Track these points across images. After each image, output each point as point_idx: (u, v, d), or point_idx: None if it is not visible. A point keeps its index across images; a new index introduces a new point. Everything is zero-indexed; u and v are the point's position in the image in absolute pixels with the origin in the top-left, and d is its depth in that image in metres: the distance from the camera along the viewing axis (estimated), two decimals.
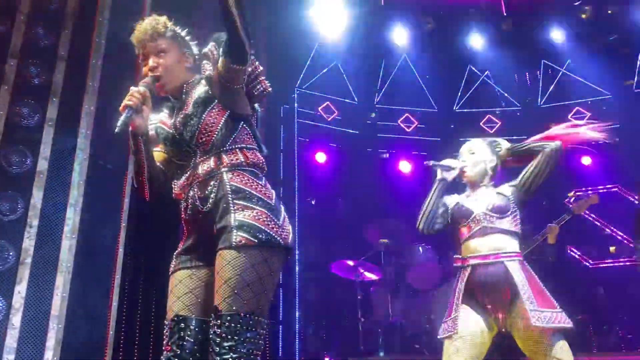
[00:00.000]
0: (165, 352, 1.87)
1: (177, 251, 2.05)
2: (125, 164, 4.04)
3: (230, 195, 1.91)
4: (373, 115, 8.56)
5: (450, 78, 8.86)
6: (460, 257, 2.77)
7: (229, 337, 1.73)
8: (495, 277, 2.60)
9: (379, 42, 8.48)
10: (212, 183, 1.95)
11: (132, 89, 1.99)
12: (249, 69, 2.04)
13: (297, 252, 7.13)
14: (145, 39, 2.06)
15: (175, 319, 1.89)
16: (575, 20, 8.11)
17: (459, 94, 8.83)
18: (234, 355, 1.72)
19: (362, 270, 6.04)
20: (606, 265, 7.62)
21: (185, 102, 2.09)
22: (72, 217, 3.42)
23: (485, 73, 8.77)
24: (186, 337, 1.86)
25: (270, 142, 6.54)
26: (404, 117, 8.75)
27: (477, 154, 2.89)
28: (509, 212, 2.71)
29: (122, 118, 1.91)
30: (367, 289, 6.35)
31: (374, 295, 6.33)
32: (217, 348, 1.73)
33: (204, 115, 2.01)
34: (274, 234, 1.87)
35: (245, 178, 1.96)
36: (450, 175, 2.86)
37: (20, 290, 3.16)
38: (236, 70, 1.96)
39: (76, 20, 3.84)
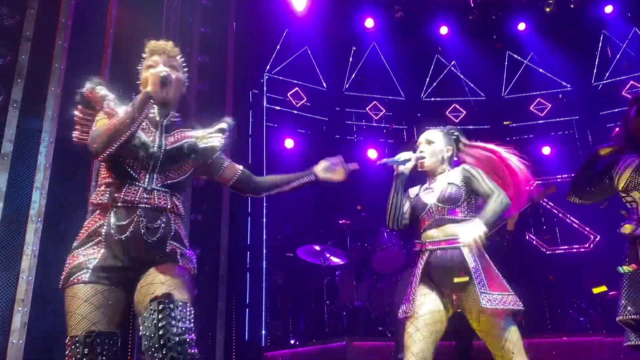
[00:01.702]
0: None
1: (94, 263, 2.00)
2: None
3: (170, 238, 2.12)
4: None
5: (418, 67, 9.00)
6: (419, 242, 2.87)
7: (184, 319, 1.87)
8: (451, 261, 2.70)
9: (348, 29, 8.54)
10: (161, 218, 2.08)
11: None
12: None
13: (264, 236, 7.20)
14: (166, 49, 2.27)
15: (91, 333, 1.88)
16: (539, 13, 8.34)
17: (427, 83, 8.98)
18: (190, 335, 1.87)
19: (328, 255, 6.14)
20: (561, 251, 7.94)
21: (170, 124, 2.25)
22: (37, 201, 3.39)
23: (452, 63, 8.93)
24: (104, 353, 1.89)
25: (239, 127, 6.54)
26: (372, 104, 8.85)
27: (435, 144, 2.95)
28: (461, 201, 2.78)
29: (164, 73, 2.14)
30: (333, 273, 6.46)
31: (340, 279, 6.45)
32: (174, 329, 1.83)
33: (188, 160, 2.21)
34: (194, 267, 2.22)
35: (180, 224, 2.21)
36: (407, 168, 2.88)
37: None
38: None
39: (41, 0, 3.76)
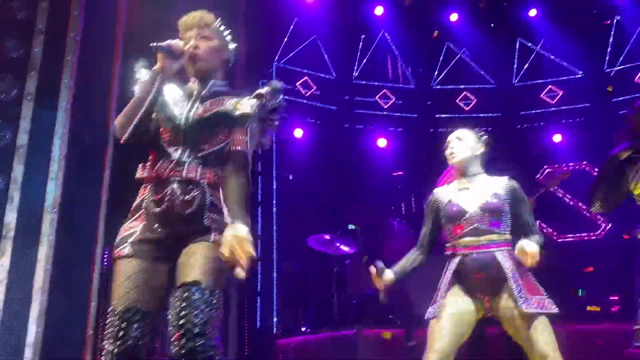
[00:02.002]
0: (115, 343, 1.88)
1: (134, 237, 2.04)
2: (105, 137, 4.07)
3: (207, 208, 2.05)
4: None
5: (429, 55, 8.95)
6: (450, 245, 2.83)
7: (208, 308, 1.85)
8: (484, 265, 2.68)
9: (358, 17, 8.50)
10: (195, 190, 2.04)
11: (179, 40, 2.17)
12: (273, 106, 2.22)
13: (274, 226, 7.25)
14: (194, 23, 2.20)
15: (127, 310, 1.91)
16: None
17: (437, 71, 8.93)
18: (212, 326, 1.85)
19: (338, 244, 6.18)
20: (571, 239, 7.92)
21: (200, 95, 2.19)
22: (52, 192, 3.45)
23: (463, 50, 8.87)
24: (139, 329, 1.90)
25: None
26: (381, 93, 8.83)
27: (464, 141, 2.89)
28: (502, 214, 2.75)
29: (163, 42, 2.07)
30: (342, 263, 6.51)
31: (350, 268, 6.49)
32: (195, 319, 1.81)
33: (216, 129, 2.13)
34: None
35: (218, 196, 2.10)
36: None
37: (4, 263, 3.21)
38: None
39: None
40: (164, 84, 2.13)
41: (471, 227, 2.75)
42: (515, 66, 8.83)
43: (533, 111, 8.66)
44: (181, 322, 1.81)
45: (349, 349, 5.13)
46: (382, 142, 8.52)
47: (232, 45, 2.33)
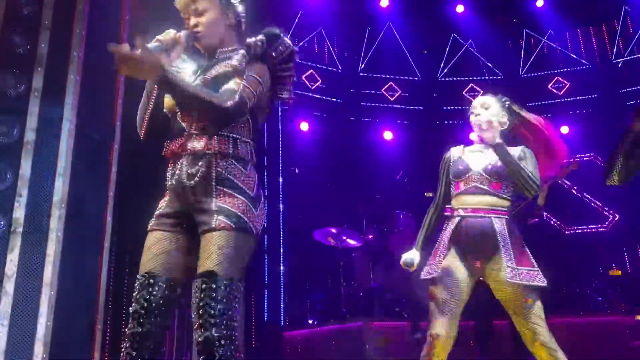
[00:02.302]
0: (133, 304, 1.96)
1: (157, 211, 2.11)
2: (112, 133, 4.08)
3: (214, 181, 2.01)
4: None
5: (434, 46, 8.90)
6: (450, 207, 2.86)
7: (225, 299, 1.85)
8: (480, 229, 2.70)
9: (363, 9, 8.46)
10: (200, 163, 2.01)
11: (171, 30, 2.09)
12: (280, 55, 2.12)
13: (281, 219, 7.28)
14: (186, 1, 2.14)
15: (146, 275, 1.98)
16: None
17: (443, 62, 8.88)
18: (229, 317, 1.85)
19: (344, 237, 6.19)
20: (579, 231, 7.89)
21: (211, 67, 2.13)
22: (60, 187, 3.47)
23: (469, 42, 8.82)
24: (153, 293, 1.95)
25: None
26: (387, 85, 8.80)
27: (491, 108, 2.88)
28: (505, 178, 2.75)
29: (149, 44, 1.97)
30: (349, 255, 6.52)
31: (356, 261, 6.51)
32: (212, 310, 1.82)
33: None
34: (249, 222, 1.99)
35: (231, 167, 2.03)
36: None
37: (13, 258, 3.24)
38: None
39: None
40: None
41: (472, 185, 2.78)
42: (522, 57, 8.77)
43: (540, 102, 8.61)
44: (200, 312, 1.84)
45: (355, 341, 5.15)
46: (388, 135, 8.50)
47: (237, 4, 2.22)
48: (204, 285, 1.87)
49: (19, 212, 3.32)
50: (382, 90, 8.76)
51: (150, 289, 1.96)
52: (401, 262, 2.91)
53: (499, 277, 2.66)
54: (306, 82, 8.23)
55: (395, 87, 8.82)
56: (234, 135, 2.05)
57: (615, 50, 8.29)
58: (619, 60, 8.26)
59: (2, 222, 3.29)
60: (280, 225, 7.26)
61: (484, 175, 2.77)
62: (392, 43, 8.71)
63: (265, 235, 7.10)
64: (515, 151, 2.83)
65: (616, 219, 7.71)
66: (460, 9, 8.49)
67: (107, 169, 3.94)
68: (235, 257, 1.92)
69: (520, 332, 2.67)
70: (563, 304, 6.74)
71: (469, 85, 8.82)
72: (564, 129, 8.31)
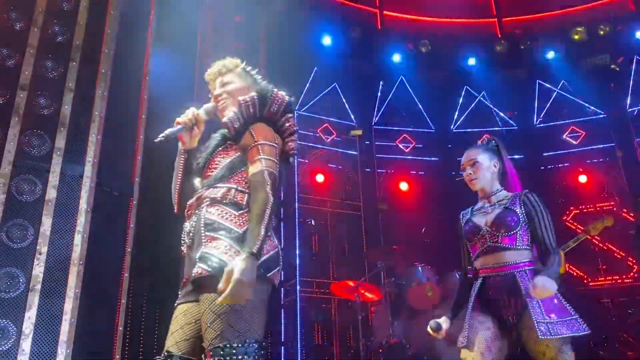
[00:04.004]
0: None
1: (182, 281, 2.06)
2: (130, 189, 4.15)
3: (202, 229, 1.94)
4: None
5: (447, 99, 9.03)
6: (472, 268, 2.81)
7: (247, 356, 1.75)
8: (505, 287, 2.62)
9: (376, 64, 8.67)
10: (194, 219, 2.01)
11: (190, 109, 2.16)
12: (279, 109, 2.12)
13: (297, 273, 7.21)
14: (214, 72, 2.24)
15: (165, 353, 1.94)
16: (568, 40, 8.31)
17: (456, 114, 8.97)
18: None
19: (362, 291, 6.09)
20: (605, 282, 7.68)
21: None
22: (79, 244, 3.50)
23: (482, 94, 8.92)
24: None
25: None
26: (401, 137, 8.90)
27: (479, 162, 2.81)
28: (518, 228, 2.66)
29: (168, 130, 2.06)
30: (367, 309, 6.40)
31: (375, 315, 6.38)
32: None
33: (216, 151, 2.11)
34: (228, 261, 1.80)
35: (220, 210, 1.96)
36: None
37: (30, 316, 3.24)
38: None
39: (82, 51, 3.96)
40: (186, 156, 2.17)
41: (485, 245, 2.70)
42: (535, 108, 8.82)
43: (556, 152, 8.59)
44: None
45: None
46: (404, 186, 8.51)
47: (261, 82, 2.25)
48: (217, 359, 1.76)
49: (38, 270, 3.35)
50: (397, 142, 8.85)
51: None
52: (428, 327, 2.83)
53: (531, 334, 2.53)
54: (321, 135, 8.35)
55: (409, 138, 8.90)
56: (230, 185, 2.00)
57: (629, 99, 8.30)
58: (634, 108, 8.27)
59: (22, 280, 3.32)
60: (297, 279, 7.18)
61: (492, 232, 2.71)
62: (405, 96, 8.85)
63: (282, 289, 7.02)
64: (515, 200, 2.72)
65: None
66: (472, 61, 8.64)
67: (125, 225, 3.98)
68: (240, 321, 1.79)
69: None
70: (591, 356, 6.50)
71: (484, 137, 8.80)
72: (582, 178, 8.24)
